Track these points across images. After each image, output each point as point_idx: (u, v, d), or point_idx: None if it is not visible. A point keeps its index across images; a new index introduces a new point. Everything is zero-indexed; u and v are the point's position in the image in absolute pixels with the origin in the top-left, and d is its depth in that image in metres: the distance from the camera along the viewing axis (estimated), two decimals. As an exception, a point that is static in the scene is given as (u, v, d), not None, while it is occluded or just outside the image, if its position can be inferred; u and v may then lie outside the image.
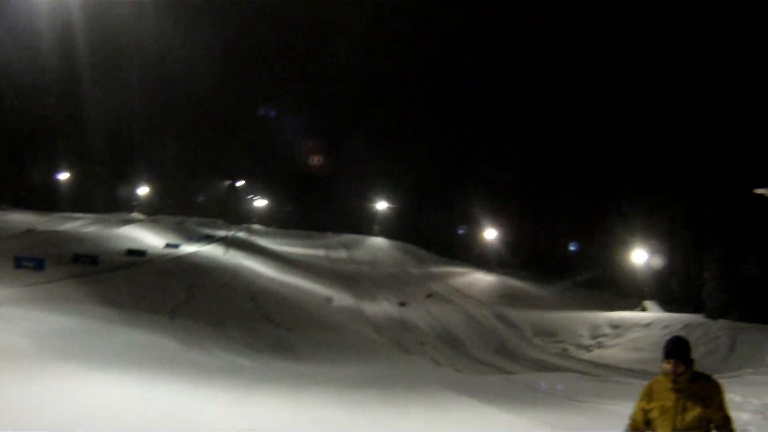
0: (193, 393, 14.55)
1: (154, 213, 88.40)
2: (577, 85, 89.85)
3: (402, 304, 46.34)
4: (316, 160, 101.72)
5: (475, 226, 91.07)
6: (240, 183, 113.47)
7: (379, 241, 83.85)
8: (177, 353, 20.74)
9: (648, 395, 6.49)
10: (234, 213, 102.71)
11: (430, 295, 49.96)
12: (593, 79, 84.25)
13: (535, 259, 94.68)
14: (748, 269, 60.26)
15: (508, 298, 61.09)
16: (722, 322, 50.51)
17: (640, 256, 70.29)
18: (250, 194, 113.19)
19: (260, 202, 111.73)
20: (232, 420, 12.09)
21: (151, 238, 57.93)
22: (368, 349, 29.85)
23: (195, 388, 15.15)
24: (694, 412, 6.08)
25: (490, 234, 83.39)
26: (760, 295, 60.16)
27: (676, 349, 6.34)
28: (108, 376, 14.38)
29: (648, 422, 6.47)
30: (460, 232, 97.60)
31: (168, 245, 56.58)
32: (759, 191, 38.59)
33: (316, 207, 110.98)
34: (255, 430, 11.62)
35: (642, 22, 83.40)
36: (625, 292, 71.11)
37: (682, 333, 56.40)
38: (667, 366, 6.26)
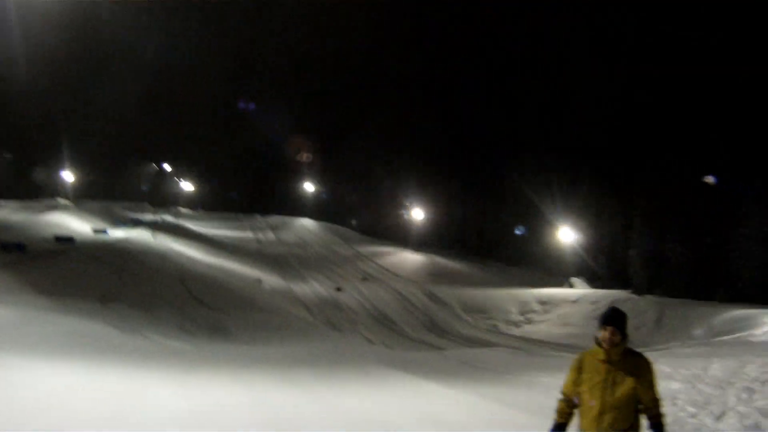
0: (134, 377, 14.61)
1: (79, 198, 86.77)
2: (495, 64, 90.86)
3: (338, 290, 46.63)
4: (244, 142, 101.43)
5: (401, 206, 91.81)
6: (166, 166, 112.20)
7: (307, 222, 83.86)
8: (113, 339, 20.63)
9: (578, 368, 6.35)
10: (160, 197, 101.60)
11: (365, 279, 50.43)
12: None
13: (462, 238, 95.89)
14: (672, 247, 62.14)
15: (437, 276, 61.92)
16: (648, 298, 52.24)
17: (566, 235, 71.90)
18: (176, 177, 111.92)
19: (187, 186, 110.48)
20: (176, 402, 12.16)
21: (77, 224, 56.96)
22: (301, 329, 30.13)
23: (136, 372, 15.25)
24: (624, 387, 5.96)
25: (418, 214, 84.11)
26: (684, 271, 62.27)
27: (616, 316, 6.22)
28: (50, 364, 14.34)
29: (578, 395, 6.32)
30: (396, 212, 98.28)
31: (96, 231, 55.99)
32: (707, 179, 40.07)
33: (243, 190, 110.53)
34: (197, 411, 11.66)
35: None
36: (553, 270, 72.72)
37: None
38: (605, 333, 6.10)
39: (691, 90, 62.74)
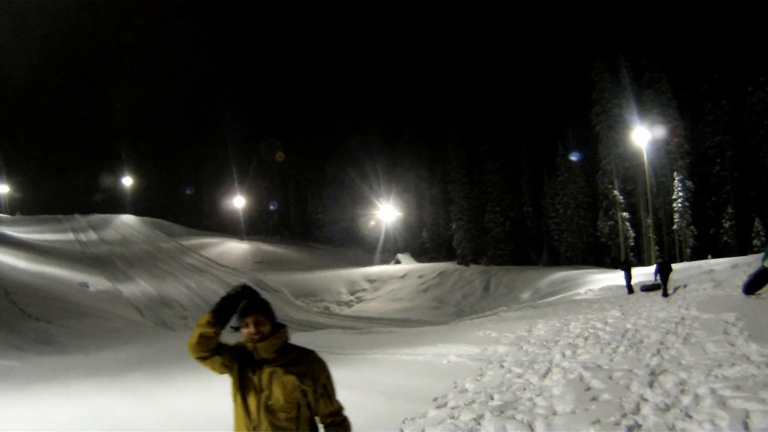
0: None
1: None
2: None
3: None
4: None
5: (224, 197, 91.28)
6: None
7: (128, 219, 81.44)
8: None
9: (229, 365, 4.72)
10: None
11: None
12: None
13: (286, 223, 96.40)
14: (494, 218, 64.90)
15: (264, 263, 61.85)
16: (474, 267, 54.07)
17: (389, 213, 73.55)
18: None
19: (2, 188, 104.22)
20: (6, 423, 11.59)
21: None
22: (133, 331, 29.40)
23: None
24: (284, 389, 4.53)
25: (239, 202, 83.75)
26: (506, 240, 65.20)
27: (257, 302, 4.67)
28: None
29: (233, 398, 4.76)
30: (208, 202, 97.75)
31: None
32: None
33: (60, 189, 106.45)
34: (33, 430, 11.06)
35: None
36: (375, 247, 74.27)
37: (436, 281, 60.33)
38: (247, 329, 4.57)
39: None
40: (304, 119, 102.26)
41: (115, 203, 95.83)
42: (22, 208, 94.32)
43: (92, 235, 68.22)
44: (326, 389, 4.64)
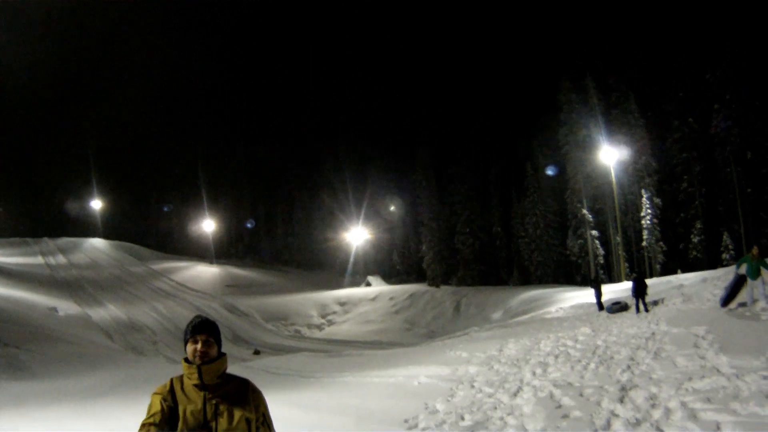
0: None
1: None
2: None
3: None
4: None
5: (192, 220, 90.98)
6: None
7: (97, 243, 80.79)
8: None
9: (164, 399, 4.54)
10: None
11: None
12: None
13: (255, 246, 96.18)
14: (463, 239, 65.08)
15: (235, 287, 61.51)
16: (444, 288, 54.04)
17: (359, 235, 73.63)
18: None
19: None
20: None
21: None
22: (102, 356, 29.06)
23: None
24: (231, 419, 4.43)
25: (209, 225, 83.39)
26: (476, 260, 65.33)
27: (207, 323, 4.66)
28: None
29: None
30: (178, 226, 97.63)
31: None
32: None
33: (28, 211, 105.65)
34: None
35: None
36: (346, 270, 74.21)
37: (407, 302, 60.12)
38: (195, 346, 4.50)
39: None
40: (273, 139, 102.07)
41: (85, 227, 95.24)
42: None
43: (61, 259, 67.62)
44: (266, 418, 4.65)
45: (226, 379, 4.62)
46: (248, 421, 4.47)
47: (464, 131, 74.69)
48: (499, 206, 68.30)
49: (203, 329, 4.61)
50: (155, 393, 4.61)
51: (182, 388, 4.59)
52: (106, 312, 43.64)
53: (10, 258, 63.99)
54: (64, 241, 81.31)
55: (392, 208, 77.97)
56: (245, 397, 4.57)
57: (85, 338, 33.84)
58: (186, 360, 4.58)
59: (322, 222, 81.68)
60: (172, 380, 4.67)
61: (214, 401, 4.47)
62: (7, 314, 34.10)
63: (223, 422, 4.42)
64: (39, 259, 66.18)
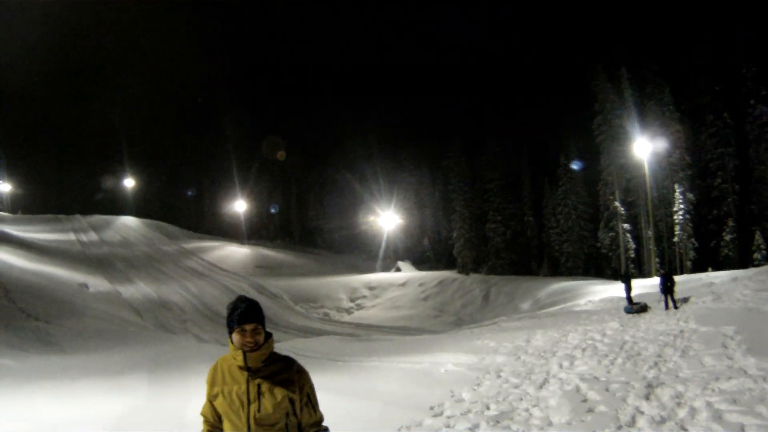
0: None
1: None
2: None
3: None
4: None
5: (224, 200, 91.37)
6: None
7: (129, 221, 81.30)
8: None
9: (212, 381, 4.67)
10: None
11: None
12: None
13: (287, 228, 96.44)
14: (495, 227, 64.85)
15: (265, 268, 61.81)
16: (474, 276, 53.95)
17: (390, 219, 73.60)
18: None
19: (4, 186, 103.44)
20: (4, 424, 11.40)
21: None
22: (131, 333, 29.35)
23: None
24: (273, 399, 4.46)
25: (240, 206, 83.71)
26: (507, 249, 65.07)
27: (255, 310, 4.57)
28: None
29: (219, 417, 4.68)
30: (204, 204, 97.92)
31: None
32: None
33: (61, 188, 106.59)
34: (30, 430, 11.01)
35: None
36: (376, 254, 74.28)
37: (437, 289, 60.24)
38: (243, 335, 4.47)
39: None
40: (306, 122, 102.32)
41: (116, 204, 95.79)
42: (24, 206, 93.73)
43: (93, 236, 68.08)
44: (310, 399, 4.60)
45: (271, 360, 4.59)
46: (292, 401, 4.50)
47: (498, 118, 74.29)
48: (531, 195, 67.92)
49: (251, 318, 4.54)
50: (208, 373, 4.68)
51: (228, 369, 4.61)
52: (136, 289, 43.99)
53: (43, 234, 64.49)
54: (96, 218, 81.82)
55: (423, 194, 77.92)
56: (290, 377, 4.57)
57: (114, 315, 34.16)
58: (232, 344, 4.55)
59: (354, 205, 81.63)
60: (217, 362, 4.72)
61: (257, 381, 4.49)
62: (38, 289, 34.51)
63: (266, 402, 4.45)
64: (71, 236, 66.65)
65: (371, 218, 76.14)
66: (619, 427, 8.51)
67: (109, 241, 66.13)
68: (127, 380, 16.57)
